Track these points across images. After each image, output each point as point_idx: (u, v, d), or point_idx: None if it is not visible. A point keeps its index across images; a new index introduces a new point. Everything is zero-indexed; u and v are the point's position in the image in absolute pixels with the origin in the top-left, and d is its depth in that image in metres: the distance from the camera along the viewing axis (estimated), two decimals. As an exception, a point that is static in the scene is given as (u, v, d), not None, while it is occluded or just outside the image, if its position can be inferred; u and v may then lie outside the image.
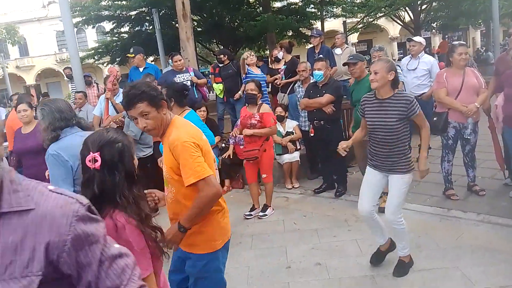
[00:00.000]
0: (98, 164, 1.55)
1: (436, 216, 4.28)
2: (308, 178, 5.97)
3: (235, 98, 7.10)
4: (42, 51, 33.70)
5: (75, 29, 7.89)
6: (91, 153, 1.57)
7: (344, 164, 5.32)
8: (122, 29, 13.56)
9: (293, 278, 3.39)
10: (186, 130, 2.16)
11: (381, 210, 4.39)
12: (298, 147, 5.85)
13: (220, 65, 7.25)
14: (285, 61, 6.79)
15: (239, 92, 7.07)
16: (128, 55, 6.69)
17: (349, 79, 6.77)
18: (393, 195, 3.15)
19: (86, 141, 1.64)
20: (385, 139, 3.10)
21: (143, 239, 1.59)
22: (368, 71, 4.46)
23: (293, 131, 5.85)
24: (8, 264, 0.87)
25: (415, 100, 3.07)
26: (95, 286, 0.95)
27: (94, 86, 8.38)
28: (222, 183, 5.97)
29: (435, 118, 4.54)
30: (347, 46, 7.74)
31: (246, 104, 4.92)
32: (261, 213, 4.81)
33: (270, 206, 4.87)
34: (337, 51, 7.25)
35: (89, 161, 1.55)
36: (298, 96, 5.70)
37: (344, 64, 5.11)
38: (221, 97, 7.31)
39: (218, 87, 7.27)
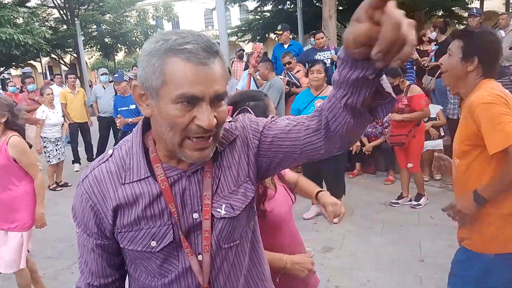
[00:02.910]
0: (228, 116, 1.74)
1: None
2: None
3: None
4: (191, 28, 36.62)
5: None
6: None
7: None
8: (265, 8, 13.98)
9: (427, 273, 3.18)
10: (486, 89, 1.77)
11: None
12: (442, 135, 5.37)
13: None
14: (436, 41, 6.24)
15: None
16: (277, 32, 6.87)
17: (510, 66, 5.92)
18: None
19: (232, 96, 1.83)
20: None
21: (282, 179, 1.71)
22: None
23: (437, 117, 5.38)
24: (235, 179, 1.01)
25: None
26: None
27: (243, 61, 8.58)
28: (353, 167, 5.86)
29: None
30: (511, 28, 6.76)
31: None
32: (414, 202, 4.52)
33: (424, 195, 4.54)
34: (500, 33, 6.37)
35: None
36: (450, 80, 5.19)
37: (510, 48, 4.48)
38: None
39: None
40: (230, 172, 1.01)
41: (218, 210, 0.98)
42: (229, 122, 1.06)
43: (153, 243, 0.96)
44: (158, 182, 0.95)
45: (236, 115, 1.09)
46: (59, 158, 6.24)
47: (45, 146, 6.11)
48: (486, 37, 1.80)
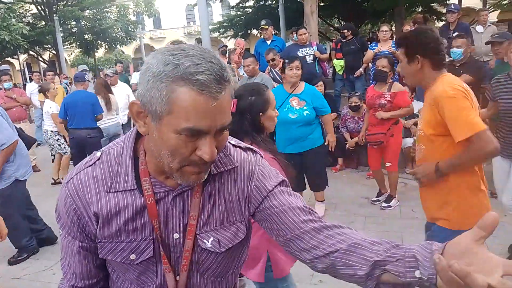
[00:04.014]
0: (232, 108, 1.77)
1: None
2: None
3: (355, 76, 6.88)
4: (172, 24, 36.51)
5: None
6: None
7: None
8: (247, 4, 13.93)
9: (409, 266, 3.24)
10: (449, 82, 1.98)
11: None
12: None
13: (343, 40, 7.05)
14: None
15: (360, 69, 6.82)
16: (262, 26, 6.81)
17: (489, 60, 6.05)
18: None
19: (236, 89, 1.94)
20: None
21: (281, 168, 1.77)
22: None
23: (419, 113, 5.46)
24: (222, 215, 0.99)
25: None
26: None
27: (226, 57, 8.52)
28: (336, 162, 5.90)
29: None
30: (489, 24, 6.90)
31: (373, 82, 4.65)
32: (384, 204, 4.46)
33: (395, 197, 4.49)
34: (479, 28, 6.50)
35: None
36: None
37: (487, 43, 4.57)
38: (340, 73, 7.14)
39: (338, 63, 7.11)
40: (222, 199, 0.98)
41: (205, 241, 0.97)
42: (233, 146, 1.04)
43: (133, 256, 0.96)
44: (144, 196, 0.94)
45: (244, 149, 1.05)
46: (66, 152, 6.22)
47: (57, 139, 6.10)
48: (420, 36, 2.01)
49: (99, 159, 0.98)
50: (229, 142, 1.03)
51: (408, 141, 5.32)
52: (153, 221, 0.94)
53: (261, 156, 1.07)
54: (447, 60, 5.05)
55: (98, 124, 5.60)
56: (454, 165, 1.94)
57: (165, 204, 0.95)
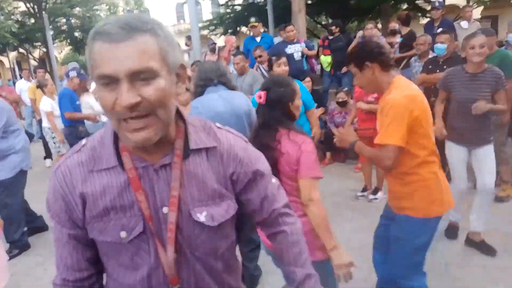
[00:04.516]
0: (261, 100, 1.94)
1: None
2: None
3: (343, 72, 6.97)
4: (162, 21, 35.95)
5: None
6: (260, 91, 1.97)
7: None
8: (236, 1, 13.96)
9: (393, 255, 3.34)
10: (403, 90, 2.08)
11: (498, 200, 4.08)
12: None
13: (330, 37, 7.12)
14: (401, 34, 6.43)
15: (349, 65, 6.91)
16: (252, 24, 6.86)
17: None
18: (490, 163, 3.22)
19: (263, 82, 2.08)
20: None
21: (315, 148, 1.91)
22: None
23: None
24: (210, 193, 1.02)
25: (503, 75, 3.15)
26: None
27: (216, 54, 8.58)
28: (324, 156, 6.00)
29: None
30: (474, 20, 7.04)
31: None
32: (371, 196, 4.60)
33: (382, 190, 4.62)
34: (464, 24, 6.62)
35: (257, 96, 1.97)
36: (414, 71, 5.37)
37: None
38: (328, 70, 7.22)
39: (326, 60, 7.19)
40: (209, 176, 1.01)
41: (198, 214, 0.99)
42: (218, 128, 1.08)
43: (123, 234, 0.96)
44: (126, 170, 0.96)
45: (229, 132, 1.10)
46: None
47: (53, 137, 6.08)
48: (363, 46, 2.17)
49: (84, 145, 1.01)
50: (214, 125, 1.08)
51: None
52: (136, 194, 0.95)
53: (246, 141, 1.11)
54: (430, 55, 5.15)
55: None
56: (361, 151, 2.17)
57: (148, 178, 0.97)
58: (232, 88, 2.93)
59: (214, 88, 2.85)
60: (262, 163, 1.11)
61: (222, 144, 1.04)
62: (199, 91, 2.89)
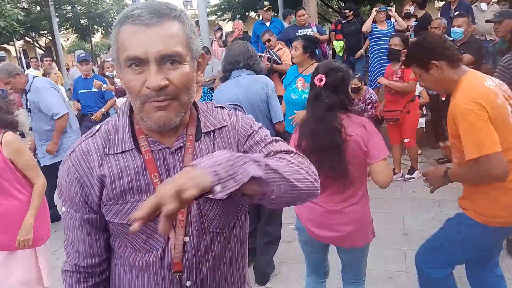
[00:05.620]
0: (322, 83, 1.94)
1: None
2: (432, 146, 5.54)
3: (356, 57, 6.82)
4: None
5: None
6: (319, 74, 1.96)
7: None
8: (245, -15, 13.72)
9: (410, 246, 3.25)
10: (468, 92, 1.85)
11: None
12: (424, 113, 5.42)
13: (343, 21, 6.96)
14: (416, 17, 6.24)
15: (361, 50, 6.75)
16: (265, 8, 6.72)
17: (492, 40, 5.98)
18: None
19: (318, 66, 2.05)
20: None
21: (375, 126, 1.98)
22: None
23: (420, 95, 5.42)
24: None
25: None
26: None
27: (221, 39, 8.40)
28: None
29: None
30: (493, 2, 6.80)
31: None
32: (407, 176, 4.67)
33: (417, 169, 4.68)
34: (483, 6, 6.40)
35: (317, 80, 1.95)
36: (429, 56, 5.23)
37: (487, 22, 4.51)
38: (341, 55, 7.07)
39: (338, 44, 7.04)
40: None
41: None
42: (220, 108, 1.09)
43: None
44: (142, 153, 0.97)
45: (230, 111, 1.11)
46: None
47: None
48: (424, 44, 2.00)
49: (98, 130, 1.03)
50: (215, 106, 1.10)
51: (421, 122, 5.27)
52: (152, 175, 0.96)
53: (244, 112, 1.13)
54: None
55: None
56: (460, 178, 1.97)
57: (164, 161, 0.98)
58: (258, 71, 2.92)
59: (238, 71, 2.89)
60: (255, 125, 1.10)
61: (226, 123, 1.06)
62: (227, 76, 2.92)
